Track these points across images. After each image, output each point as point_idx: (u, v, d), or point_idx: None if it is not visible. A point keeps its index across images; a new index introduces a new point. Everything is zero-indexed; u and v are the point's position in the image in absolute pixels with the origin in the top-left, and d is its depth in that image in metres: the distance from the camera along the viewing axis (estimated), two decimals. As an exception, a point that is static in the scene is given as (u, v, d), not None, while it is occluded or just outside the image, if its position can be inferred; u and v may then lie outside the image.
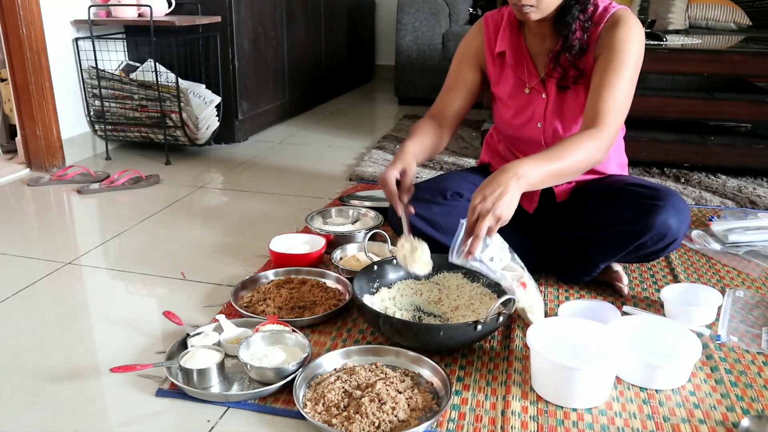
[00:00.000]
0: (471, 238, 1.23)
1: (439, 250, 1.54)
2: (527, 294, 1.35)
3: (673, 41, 2.66)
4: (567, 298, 1.53)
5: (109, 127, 2.72)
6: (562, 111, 1.51)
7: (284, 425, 1.11)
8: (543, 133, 1.55)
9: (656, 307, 1.51)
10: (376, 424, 1.07)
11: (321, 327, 1.41)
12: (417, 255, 1.37)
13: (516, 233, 1.59)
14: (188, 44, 2.76)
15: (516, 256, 1.38)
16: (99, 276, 1.70)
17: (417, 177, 2.44)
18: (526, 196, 1.66)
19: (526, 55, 1.52)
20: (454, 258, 1.28)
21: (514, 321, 1.43)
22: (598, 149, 1.34)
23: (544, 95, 1.51)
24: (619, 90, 1.36)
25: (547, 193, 1.65)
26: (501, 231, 1.55)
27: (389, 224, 1.70)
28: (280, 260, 1.67)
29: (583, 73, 1.45)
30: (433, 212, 1.54)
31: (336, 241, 1.78)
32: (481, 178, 1.64)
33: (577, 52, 1.42)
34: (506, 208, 1.22)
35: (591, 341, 1.21)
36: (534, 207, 1.65)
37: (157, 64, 2.59)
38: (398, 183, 1.39)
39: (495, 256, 1.32)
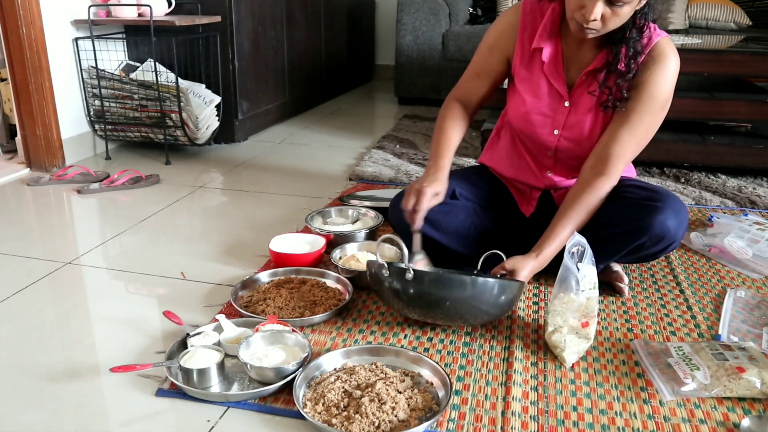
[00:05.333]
0: None
1: (439, 249, 1.54)
2: (583, 334, 1.30)
3: (674, 41, 2.65)
4: (567, 298, 1.53)
5: (109, 127, 2.72)
6: (585, 128, 1.48)
7: (284, 425, 1.11)
8: (557, 142, 1.53)
9: (657, 306, 1.51)
10: (376, 424, 1.06)
11: (321, 327, 1.41)
12: None
13: (513, 236, 1.59)
14: (188, 44, 2.75)
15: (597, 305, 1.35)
16: (99, 276, 1.70)
17: (417, 177, 2.45)
18: (524, 200, 1.66)
19: (560, 58, 1.48)
20: None
21: (515, 322, 1.44)
22: (603, 197, 1.42)
23: (567, 103, 1.48)
24: (639, 134, 1.41)
25: (546, 196, 1.65)
26: (499, 232, 1.55)
27: (389, 224, 1.70)
28: (280, 260, 1.67)
29: (627, 98, 1.41)
30: (433, 211, 1.54)
31: (336, 241, 1.78)
32: (480, 179, 1.65)
33: (627, 75, 1.39)
34: None
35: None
36: (531, 211, 1.65)
37: (157, 64, 2.59)
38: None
39: (586, 283, 1.31)
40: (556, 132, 1.51)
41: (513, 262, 1.39)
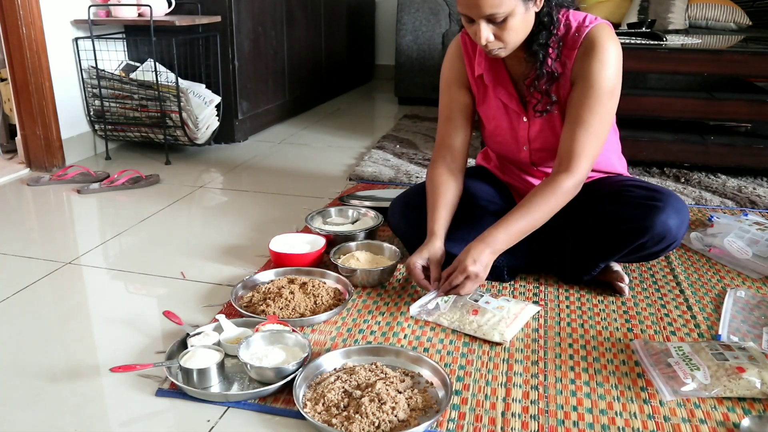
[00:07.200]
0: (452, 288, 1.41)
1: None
2: (478, 317, 1.39)
3: (673, 41, 2.65)
4: (567, 298, 1.53)
5: (109, 126, 2.72)
6: (546, 136, 1.49)
7: (284, 425, 1.11)
8: (530, 156, 1.54)
9: (657, 306, 1.51)
10: (376, 424, 1.06)
11: (321, 327, 1.41)
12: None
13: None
14: (188, 44, 2.76)
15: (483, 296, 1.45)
16: (99, 276, 1.70)
17: (417, 177, 2.45)
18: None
19: (506, 77, 1.47)
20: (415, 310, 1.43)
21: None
22: (571, 193, 1.39)
23: (525, 119, 1.48)
24: (593, 127, 1.37)
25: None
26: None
27: (389, 225, 1.71)
28: (280, 260, 1.67)
29: (557, 100, 1.41)
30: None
31: (336, 241, 1.78)
32: (477, 182, 1.64)
33: (549, 80, 1.38)
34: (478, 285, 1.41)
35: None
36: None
37: (157, 63, 2.59)
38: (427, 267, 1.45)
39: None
40: (525, 148, 1.53)
41: (458, 259, 1.39)
